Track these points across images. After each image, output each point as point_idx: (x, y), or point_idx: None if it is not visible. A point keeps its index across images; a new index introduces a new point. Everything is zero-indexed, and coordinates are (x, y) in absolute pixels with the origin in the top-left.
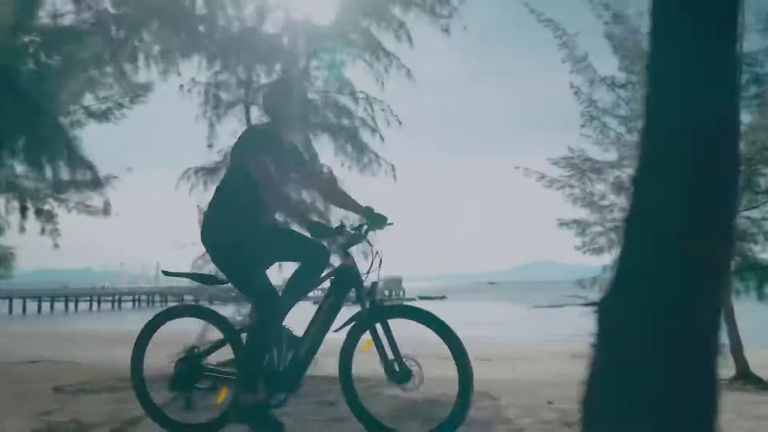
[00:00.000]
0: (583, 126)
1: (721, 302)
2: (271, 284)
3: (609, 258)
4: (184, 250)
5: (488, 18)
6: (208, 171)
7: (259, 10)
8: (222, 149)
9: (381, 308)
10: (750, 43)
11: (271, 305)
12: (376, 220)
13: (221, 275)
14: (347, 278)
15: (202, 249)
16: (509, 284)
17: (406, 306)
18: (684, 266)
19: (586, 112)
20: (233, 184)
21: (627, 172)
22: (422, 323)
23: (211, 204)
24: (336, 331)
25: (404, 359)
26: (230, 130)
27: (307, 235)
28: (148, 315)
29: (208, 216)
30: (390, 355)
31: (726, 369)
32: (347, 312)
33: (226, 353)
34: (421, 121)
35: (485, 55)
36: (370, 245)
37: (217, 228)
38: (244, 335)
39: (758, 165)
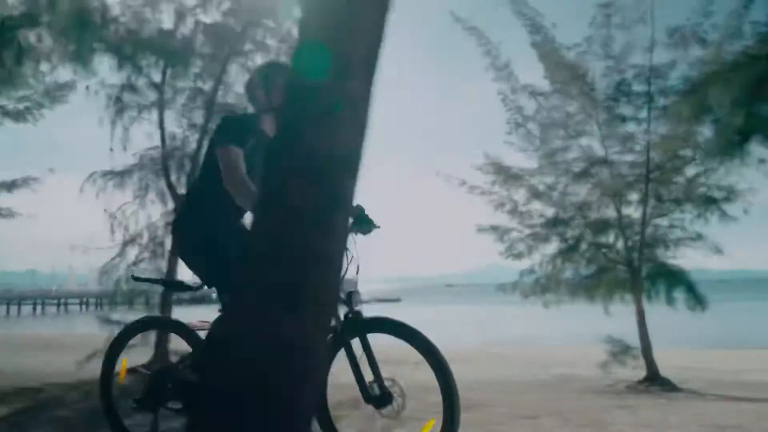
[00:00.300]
0: (509, 133)
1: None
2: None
3: (529, 263)
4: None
5: (416, 26)
6: (118, 174)
7: (177, 13)
8: (137, 152)
9: (358, 321)
10: (658, 56)
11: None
12: (364, 222)
13: (193, 281)
14: None
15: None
16: (467, 287)
17: (388, 319)
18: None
19: (512, 119)
20: (207, 179)
21: (546, 180)
22: (404, 340)
23: (185, 201)
24: None
25: (385, 380)
26: (145, 132)
27: None
28: (92, 319)
29: (180, 214)
30: (368, 376)
31: (637, 370)
32: None
33: None
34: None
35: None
36: (346, 249)
37: (189, 228)
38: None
39: (669, 174)
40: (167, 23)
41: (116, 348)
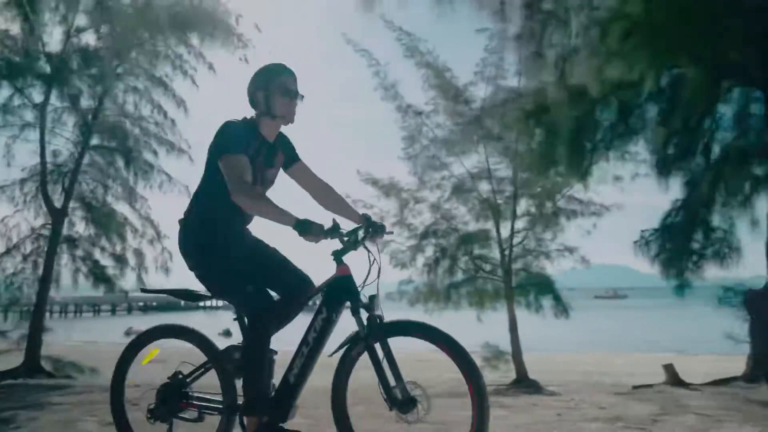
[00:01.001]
0: (404, 149)
1: None
2: (264, 298)
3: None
4: None
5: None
6: None
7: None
8: (26, 166)
9: (381, 325)
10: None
11: (261, 322)
12: (377, 227)
13: (203, 290)
14: (342, 290)
15: None
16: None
17: (412, 322)
18: None
19: (407, 137)
20: (209, 188)
21: (428, 194)
22: (430, 341)
23: (188, 210)
24: (331, 355)
25: (407, 384)
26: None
27: (288, 259)
28: None
29: (184, 224)
30: (391, 381)
31: (509, 374)
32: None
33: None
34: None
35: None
36: (368, 251)
37: (194, 237)
38: (236, 356)
39: (534, 188)
40: (50, 46)
41: (128, 357)
